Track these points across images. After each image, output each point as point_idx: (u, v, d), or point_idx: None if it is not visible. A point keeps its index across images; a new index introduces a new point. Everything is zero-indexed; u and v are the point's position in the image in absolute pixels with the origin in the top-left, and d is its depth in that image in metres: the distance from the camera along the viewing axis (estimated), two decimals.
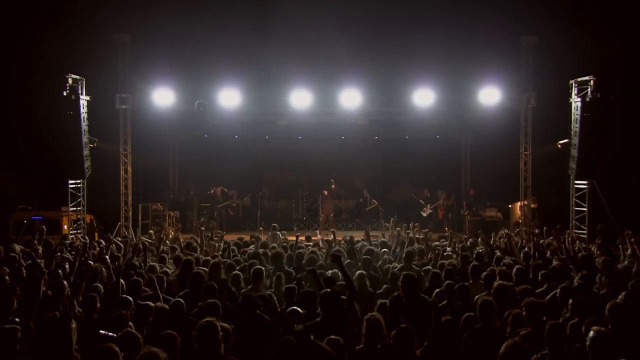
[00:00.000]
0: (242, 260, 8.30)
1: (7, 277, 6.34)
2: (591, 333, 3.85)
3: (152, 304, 5.32)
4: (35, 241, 9.57)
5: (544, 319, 4.65)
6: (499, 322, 4.87)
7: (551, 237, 10.74)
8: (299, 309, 4.92)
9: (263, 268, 6.58)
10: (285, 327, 4.70)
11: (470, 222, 16.44)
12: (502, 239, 11.23)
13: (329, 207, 17.28)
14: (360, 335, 4.56)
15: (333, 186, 17.56)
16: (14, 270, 6.98)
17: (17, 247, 9.10)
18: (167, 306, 5.39)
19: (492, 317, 4.80)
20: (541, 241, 10.04)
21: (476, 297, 5.42)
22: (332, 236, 10.33)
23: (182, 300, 5.39)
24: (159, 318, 5.19)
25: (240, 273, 6.80)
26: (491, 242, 10.72)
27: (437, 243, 10.89)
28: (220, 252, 9.34)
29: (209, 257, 8.37)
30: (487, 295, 5.58)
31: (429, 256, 9.11)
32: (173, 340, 4.23)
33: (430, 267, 7.76)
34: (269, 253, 8.47)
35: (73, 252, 8.96)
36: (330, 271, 6.82)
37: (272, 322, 4.82)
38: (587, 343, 3.82)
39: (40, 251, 8.89)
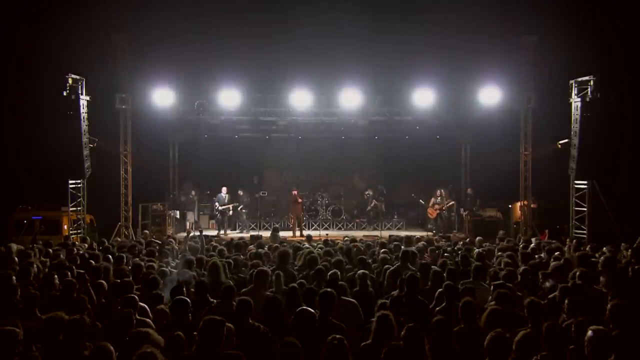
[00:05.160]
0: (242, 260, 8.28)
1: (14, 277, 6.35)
2: (589, 332, 3.83)
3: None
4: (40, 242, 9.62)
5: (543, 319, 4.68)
6: (480, 322, 4.92)
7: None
8: (309, 309, 4.90)
9: (267, 270, 6.53)
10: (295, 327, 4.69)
11: (471, 222, 16.43)
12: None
13: (298, 209, 17.20)
14: (368, 332, 4.57)
15: (295, 192, 17.45)
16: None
17: (15, 247, 9.10)
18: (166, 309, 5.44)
19: (473, 317, 4.84)
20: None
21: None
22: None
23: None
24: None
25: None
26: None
27: (423, 243, 10.88)
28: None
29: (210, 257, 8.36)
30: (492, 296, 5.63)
31: (427, 256, 9.11)
32: (179, 341, 4.24)
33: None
34: (270, 253, 8.47)
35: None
36: (330, 272, 6.79)
37: (265, 333, 4.75)
38: (585, 342, 3.81)
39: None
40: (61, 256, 8.71)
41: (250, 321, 4.82)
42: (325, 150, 19.90)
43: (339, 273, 6.58)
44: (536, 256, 8.67)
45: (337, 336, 3.95)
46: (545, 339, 4.07)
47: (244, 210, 18.07)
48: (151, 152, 17.63)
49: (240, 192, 18.19)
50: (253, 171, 20.27)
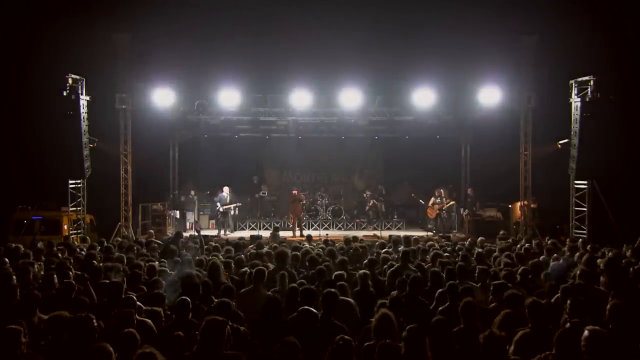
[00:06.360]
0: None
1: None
2: (585, 332, 3.80)
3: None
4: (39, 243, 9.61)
5: (545, 320, 4.68)
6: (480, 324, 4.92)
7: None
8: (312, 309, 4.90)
9: (265, 269, 6.55)
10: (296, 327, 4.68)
11: (471, 222, 16.42)
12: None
13: (298, 208, 17.19)
14: (367, 332, 4.57)
15: (295, 192, 17.43)
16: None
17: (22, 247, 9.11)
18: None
19: (473, 317, 4.85)
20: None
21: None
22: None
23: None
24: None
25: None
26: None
27: (430, 243, 10.90)
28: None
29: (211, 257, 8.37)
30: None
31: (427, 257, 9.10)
32: (179, 341, 4.24)
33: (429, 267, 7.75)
34: (272, 253, 8.47)
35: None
36: (335, 273, 6.79)
37: (245, 335, 4.73)
38: (582, 342, 3.78)
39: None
40: (59, 255, 8.70)
41: (230, 323, 4.79)
42: (325, 150, 19.94)
43: (345, 274, 6.59)
44: (541, 258, 8.62)
45: (346, 337, 3.96)
46: (556, 341, 4.01)
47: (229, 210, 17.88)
48: (151, 152, 17.61)
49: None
50: (253, 171, 20.28)
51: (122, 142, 15.22)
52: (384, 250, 9.50)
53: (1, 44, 16.16)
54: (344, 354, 3.87)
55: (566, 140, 14.01)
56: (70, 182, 13.90)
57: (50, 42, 15.43)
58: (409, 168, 19.40)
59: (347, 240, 10.37)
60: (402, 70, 15.08)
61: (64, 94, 13.08)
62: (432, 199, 17.40)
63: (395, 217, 19.29)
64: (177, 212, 18.06)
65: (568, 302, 5.05)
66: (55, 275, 6.50)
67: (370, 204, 19.12)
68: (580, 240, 10.97)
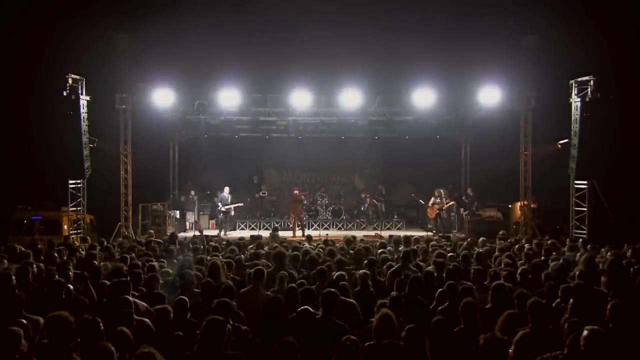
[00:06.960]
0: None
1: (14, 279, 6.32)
2: (584, 332, 3.79)
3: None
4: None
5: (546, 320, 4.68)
6: (480, 324, 4.91)
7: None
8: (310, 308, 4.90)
9: (264, 269, 6.56)
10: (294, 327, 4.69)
11: (471, 222, 16.42)
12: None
13: (299, 208, 17.18)
14: (368, 332, 4.58)
15: (296, 191, 17.41)
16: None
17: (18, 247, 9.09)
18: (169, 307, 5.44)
19: (473, 317, 4.86)
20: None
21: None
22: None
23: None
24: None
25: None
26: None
27: (433, 243, 10.90)
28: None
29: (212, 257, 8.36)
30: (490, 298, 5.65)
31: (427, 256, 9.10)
32: (179, 341, 4.24)
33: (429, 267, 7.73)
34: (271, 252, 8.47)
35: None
36: (336, 273, 6.79)
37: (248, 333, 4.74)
38: (581, 342, 3.78)
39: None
40: (56, 255, 8.69)
41: (230, 322, 4.78)
42: (325, 150, 19.95)
43: (345, 275, 6.58)
44: (542, 258, 8.61)
45: (352, 337, 3.96)
46: (570, 342, 4.00)
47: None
48: (151, 152, 17.61)
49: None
50: (253, 171, 20.28)
51: (122, 142, 15.23)
52: (381, 250, 9.48)
53: (2, 44, 16.16)
54: (351, 354, 3.87)
55: (566, 140, 14.01)
56: (70, 182, 13.89)
57: (50, 42, 15.44)
58: (409, 168, 19.41)
59: (348, 241, 10.34)
60: (402, 70, 15.09)
61: (64, 94, 13.07)
62: (432, 199, 17.39)
63: (395, 217, 19.30)
64: (177, 212, 18.06)
65: (569, 302, 5.05)
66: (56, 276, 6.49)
67: (368, 202, 19.14)
68: (580, 240, 10.95)
